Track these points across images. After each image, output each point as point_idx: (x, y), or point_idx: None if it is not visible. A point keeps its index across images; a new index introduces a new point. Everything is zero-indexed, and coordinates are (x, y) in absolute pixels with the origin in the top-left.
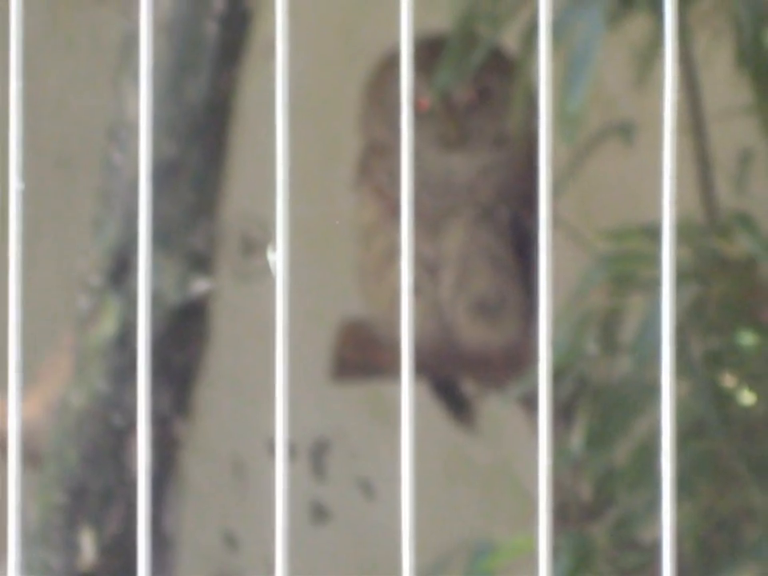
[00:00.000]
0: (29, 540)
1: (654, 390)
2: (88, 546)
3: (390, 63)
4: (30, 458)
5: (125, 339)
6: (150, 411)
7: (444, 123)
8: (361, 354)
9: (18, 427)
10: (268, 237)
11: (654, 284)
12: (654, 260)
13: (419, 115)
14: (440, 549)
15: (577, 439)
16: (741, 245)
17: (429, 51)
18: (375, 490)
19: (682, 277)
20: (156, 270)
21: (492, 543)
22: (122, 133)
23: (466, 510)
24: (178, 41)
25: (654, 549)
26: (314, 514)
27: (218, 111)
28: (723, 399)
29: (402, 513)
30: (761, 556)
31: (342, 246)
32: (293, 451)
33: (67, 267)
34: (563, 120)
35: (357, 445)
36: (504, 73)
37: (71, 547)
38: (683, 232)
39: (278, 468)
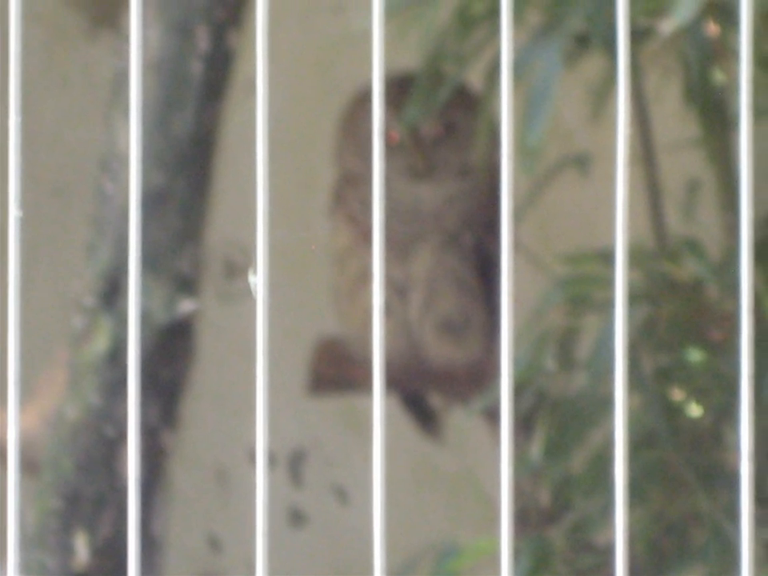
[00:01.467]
0: (26, 542)
1: (607, 403)
2: (82, 547)
3: (362, 99)
4: (28, 465)
5: (116, 356)
6: (139, 423)
7: (412, 155)
8: (335, 370)
9: (16, 437)
10: (249, 261)
11: (608, 305)
12: (608, 282)
13: (389, 148)
14: (409, 550)
15: (536, 449)
16: (689, 268)
17: (398, 88)
18: (349, 495)
19: (634, 298)
20: (145, 291)
21: (457, 545)
22: (113, 164)
23: (433, 515)
24: (165, 78)
25: (608, 551)
26: (291, 518)
27: (202, 144)
28: (672, 412)
29: (373, 517)
30: (707, 557)
31: (317, 270)
32: (272, 460)
33: (63, 289)
34: (524, 152)
35: (332, 454)
36: (468, 108)
37: (66, 549)
38: (635, 256)
39: (258, 475)
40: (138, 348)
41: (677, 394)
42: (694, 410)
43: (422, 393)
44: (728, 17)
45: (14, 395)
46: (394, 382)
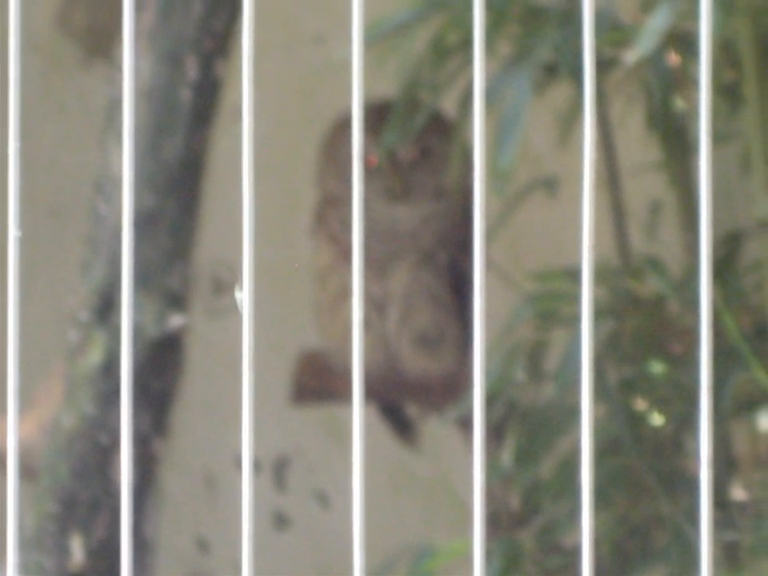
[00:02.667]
0: (25, 544)
1: (574, 412)
2: (77, 549)
3: (342, 125)
4: (27, 471)
5: (110, 368)
6: (131, 431)
7: (390, 178)
8: (317, 381)
9: (16, 444)
10: (235, 278)
11: (575, 319)
12: (575, 298)
13: (368, 171)
14: (387, 552)
15: (507, 455)
16: (651, 285)
17: (377, 115)
18: (330, 500)
19: (599, 313)
20: (137, 307)
21: (432, 547)
22: (107, 186)
23: (410, 518)
24: (156, 106)
25: (575, 552)
26: (276, 521)
27: (191, 167)
28: (635, 421)
29: (353, 520)
30: (668, 559)
31: (300, 286)
32: (257, 466)
33: (59, 305)
34: (495, 175)
35: (314, 460)
36: (442, 134)
37: (62, 550)
38: (600, 274)
39: (244, 481)
40: (130, 360)
41: (640, 404)
42: (656, 419)
43: (398, 403)
44: (688, 47)
45: (14, 405)
46: (372, 392)
